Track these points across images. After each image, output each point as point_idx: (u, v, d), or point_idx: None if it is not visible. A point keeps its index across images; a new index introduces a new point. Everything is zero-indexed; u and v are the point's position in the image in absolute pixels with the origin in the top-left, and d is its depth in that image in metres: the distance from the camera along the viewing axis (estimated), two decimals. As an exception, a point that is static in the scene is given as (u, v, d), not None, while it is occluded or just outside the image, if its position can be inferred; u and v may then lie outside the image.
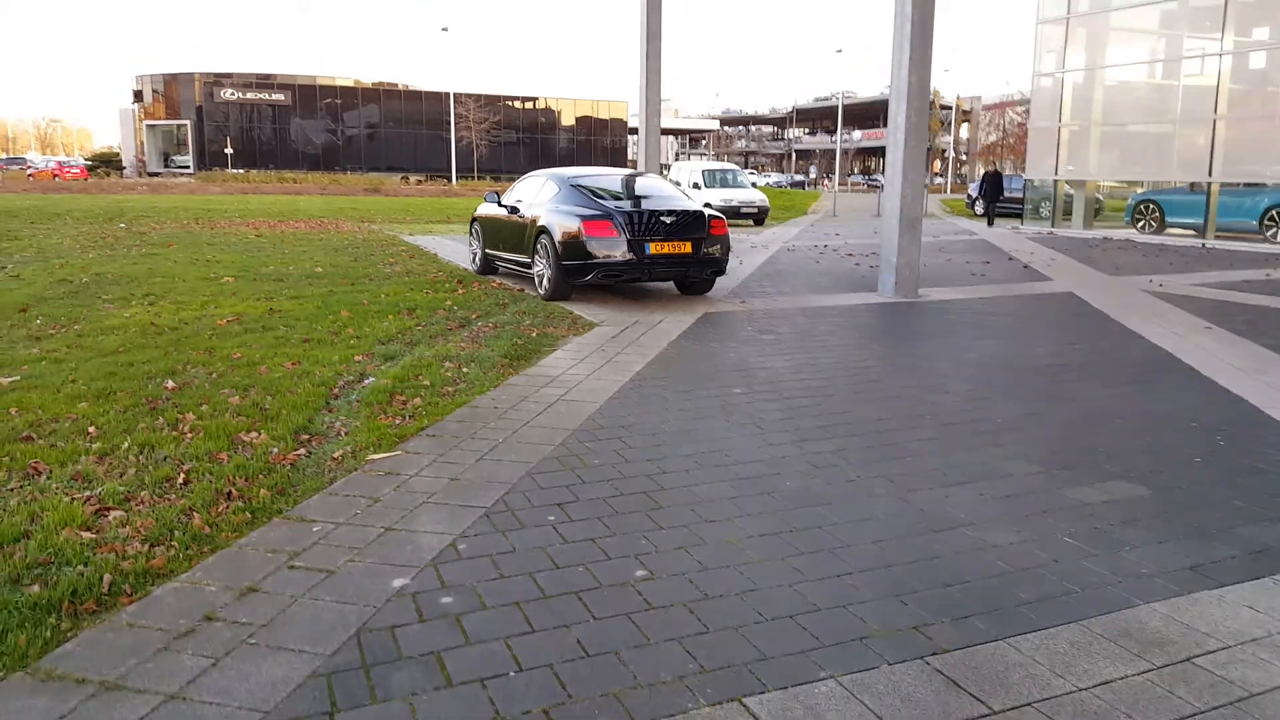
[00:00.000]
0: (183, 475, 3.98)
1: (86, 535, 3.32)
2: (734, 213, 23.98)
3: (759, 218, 24.28)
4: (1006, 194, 27.59)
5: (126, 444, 4.38)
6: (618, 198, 9.70)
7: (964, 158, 70.07)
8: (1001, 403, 5.66)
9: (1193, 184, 19.35)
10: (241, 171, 55.44)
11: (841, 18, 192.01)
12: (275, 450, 4.41)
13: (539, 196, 9.98)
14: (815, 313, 9.01)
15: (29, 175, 52.53)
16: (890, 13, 9.73)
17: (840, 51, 69.03)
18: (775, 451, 4.59)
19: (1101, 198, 22.66)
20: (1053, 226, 21.75)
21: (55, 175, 51.18)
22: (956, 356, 7.04)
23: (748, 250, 15.92)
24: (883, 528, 3.68)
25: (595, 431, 4.86)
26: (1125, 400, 5.80)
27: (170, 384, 5.60)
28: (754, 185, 27.76)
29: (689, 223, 9.19)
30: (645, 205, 9.45)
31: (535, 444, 4.62)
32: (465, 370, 6.15)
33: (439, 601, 2.97)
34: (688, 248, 9.11)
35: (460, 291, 9.85)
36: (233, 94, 64.80)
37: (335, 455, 4.38)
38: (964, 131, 69.72)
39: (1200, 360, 6.95)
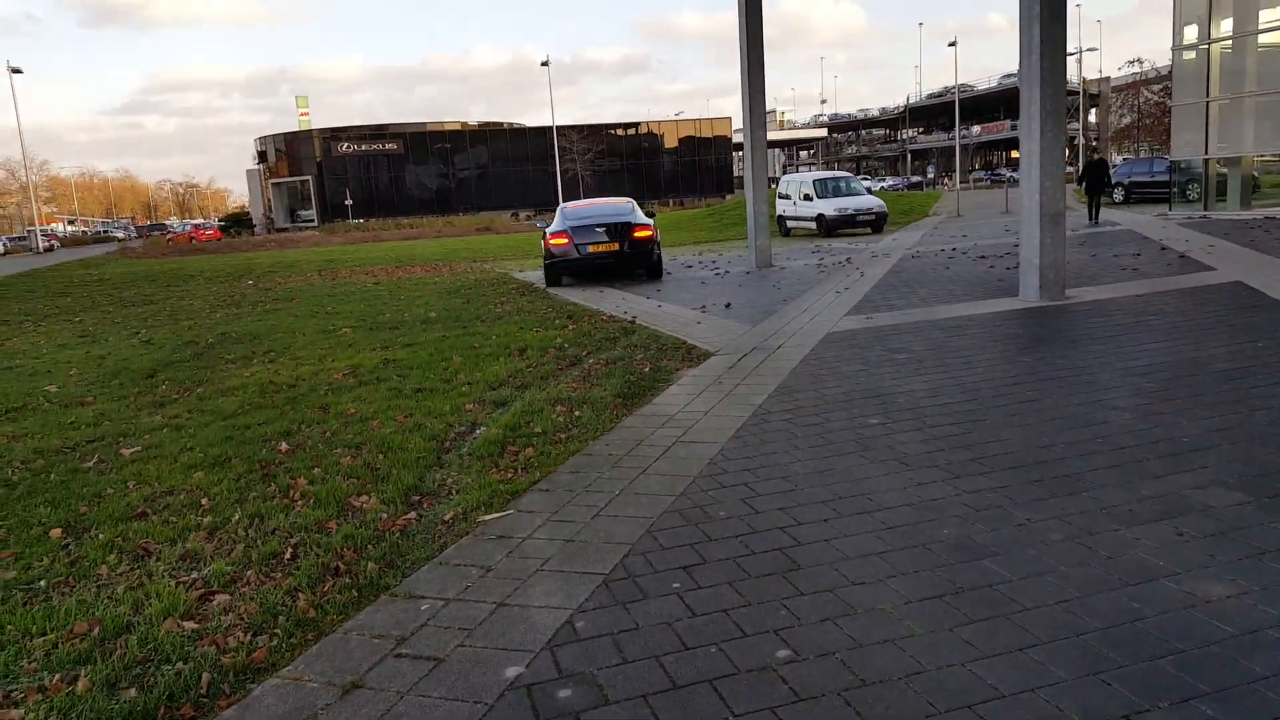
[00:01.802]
0: (290, 549, 3.80)
1: (189, 626, 3.15)
2: (850, 221, 23.18)
3: (877, 224, 23.34)
4: (1149, 178, 25.70)
5: (237, 516, 4.27)
6: (583, 219, 14.34)
7: (1095, 143, 66.13)
8: (1182, 418, 4.93)
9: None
10: (361, 221, 58.07)
11: (951, 8, 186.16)
12: (384, 516, 4.20)
13: (550, 223, 15.01)
14: (951, 325, 8.32)
15: (168, 240, 56.42)
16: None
17: (953, 44, 66.09)
18: (925, 492, 4.06)
19: (1258, 174, 20.66)
20: (1205, 209, 19.94)
21: (192, 238, 54.78)
22: (1119, 365, 6.27)
23: (868, 260, 15.20)
24: (1066, 583, 3.11)
25: (718, 477, 4.45)
26: (1336, 407, 4.96)
27: (284, 446, 5.53)
28: (869, 191, 26.73)
29: (617, 231, 13.94)
30: (591, 221, 14.18)
31: (654, 495, 4.25)
32: (577, 414, 5.86)
33: (557, 696, 2.62)
34: (615, 246, 13.90)
35: (570, 328, 9.65)
36: (349, 147, 68.15)
37: (446, 518, 4.13)
38: (1093, 116, 65.89)
39: None
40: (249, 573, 3.60)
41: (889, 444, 4.81)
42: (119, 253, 45.27)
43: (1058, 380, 5.97)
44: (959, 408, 5.44)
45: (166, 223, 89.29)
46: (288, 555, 3.76)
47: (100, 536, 4.14)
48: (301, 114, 74.59)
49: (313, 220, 66.63)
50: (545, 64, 61.78)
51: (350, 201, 62.99)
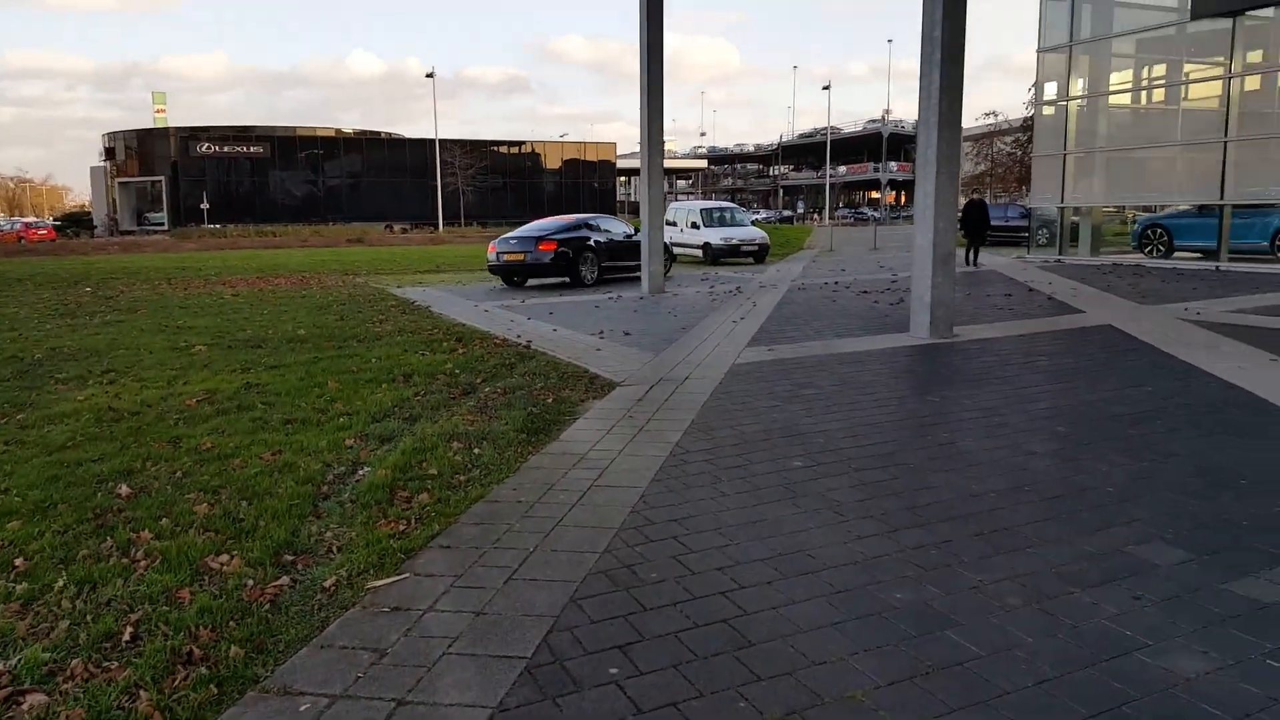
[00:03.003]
0: (130, 628, 3.09)
1: (-13, 743, 2.43)
2: (734, 251, 23.36)
3: (760, 255, 23.65)
4: (1004, 223, 26.93)
5: (61, 582, 3.49)
6: (516, 233, 17.67)
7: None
8: (1101, 464, 4.86)
9: (1200, 207, 18.83)
10: (218, 227, 54.60)
11: (818, 55, 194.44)
12: (250, 582, 3.53)
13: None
14: (852, 360, 8.21)
15: (-8, 238, 50.90)
16: (915, 38, 9.10)
17: (827, 88, 69.30)
18: (867, 548, 3.75)
19: (1107, 224, 22.14)
20: (1060, 254, 21.16)
21: (20, 238, 49.35)
22: (1024, 407, 6.24)
23: (757, 290, 15.19)
24: (1038, 658, 2.84)
25: (644, 530, 4.01)
26: (1233, 452, 5.02)
27: (124, 490, 4.71)
28: (753, 222, 27.20)
29: (525, 244, 16.94)
30: (512, 235, 17.60)
31: (575, 552, 3.76)
32: (477, 451, 5.29)
33: (481, 831, 2.10)
34: (521, 257, 16.82)
35: (460, 351, 9.00)
36: (209, 148, 64.25)
37: (327, 583, 3.51)
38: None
39: (1298, 400, 6.20)
40: (74, 662, 2.88)
41: (818, 490, 4.50)
42: (-66, 250, 40.73)
43: (969, 422, 5.86)
44: (880, 450, 5.22)
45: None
46: (126, 636, 3.05)
47: (-125, 610, 3.29)
48: (158, 111, 69.87)
49: (163, 223, 62.18)
50: (430, 75, 60.46)
51: (207, 205, 59.26)
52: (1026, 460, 4.96)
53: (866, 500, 4.35)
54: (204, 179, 63.19)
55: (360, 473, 4.99)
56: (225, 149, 64.76)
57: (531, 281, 17.54)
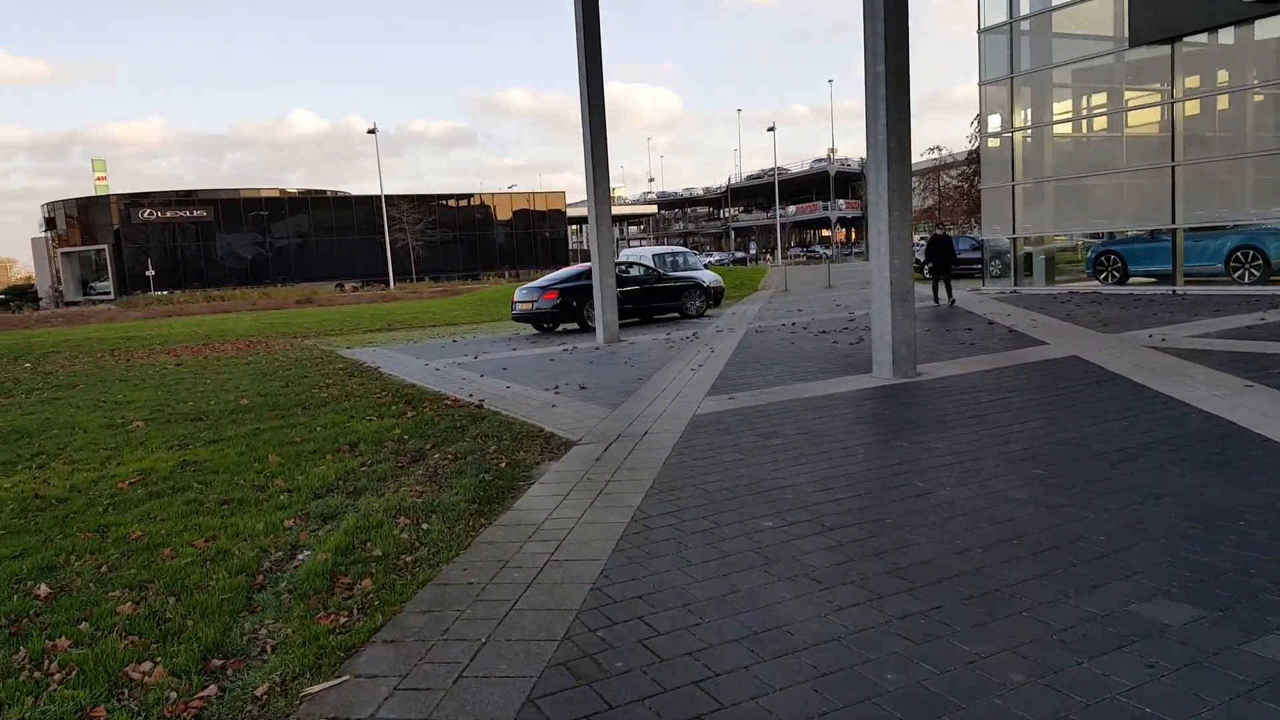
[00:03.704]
0: (22, 769, 2.69)
1: None
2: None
3: (715, 298, 23.54)
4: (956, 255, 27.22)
5: (-51, 714, 3.07)
6: (526, 287, 19.19)
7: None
8: (1087, 510, 4.65)
9: (1152, 232, 19.20)
10: (166, 293, 53.47)
11: (759, 99, 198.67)
12: (173, 695, 3.15)
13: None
14: (815, 405, 8.00)
15: (-77, 317, 49.05)
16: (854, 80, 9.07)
17: (772, 129, 70.33)
18: (850, 620, 3.47)
19: (1060, 252, 22.48)
20: (1015, 285, 21.39)
21: (-43, 315, 47.86)
22: (998, 449, 6.05)
23: (714, 335, 15.01)
24: (1049, 745, 2.56)
25: (607, 610, 3.68)
26: (1225, 489, 4.84)
27: (43, 589, 4.28)
28: (705, 266, 27.19)
29: (533, 294, 18.41)
30: (526, 286, 19.21)
31: (531, 641, 3.43)
32: (425, 527, 4.94)
33: None
34: (530, 305, 18.33)
35: (410, 415, 8.63)
36: (152, 214, 63.17)
37: (258, 691, 3.14)
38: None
39: (1269, 427, 6.09)
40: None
41: (792, 554, 4.22)
42: None
43: (943, 468, 5.64)
44: (853, 504, 4.96)
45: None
46: (18, 779, 2.65)
47: None
48: (99, 179, 68.64)
49: (109, 292, 60.75)
50: (373, 131, 60.18)
51: (152, 272, 58.06)
52: (1010, 509, 4.74)
53: (845, 564, 4.07)
54: (148, 245, 61.99)
55: (300, 557, 4.62)
56: (169, 214, 63.72)
57: (562, 326, 18.95)
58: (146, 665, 3.40)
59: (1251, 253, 17.60)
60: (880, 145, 8.92)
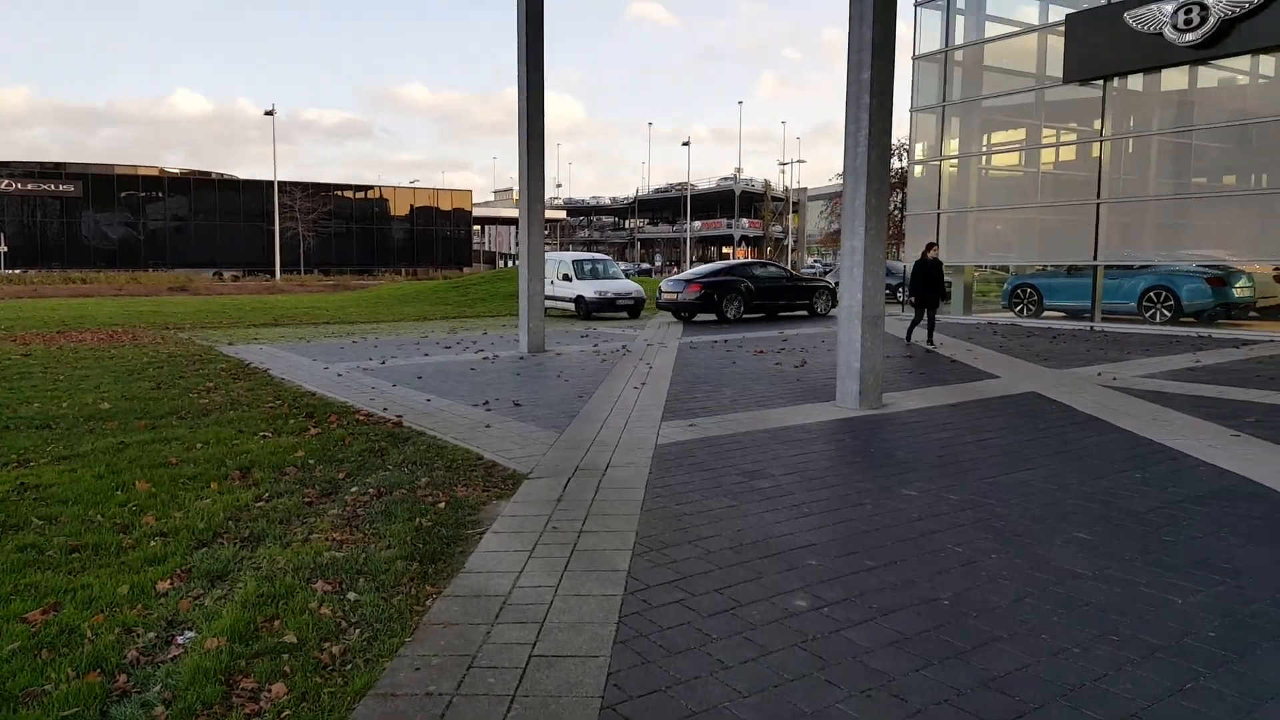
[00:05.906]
0: None
1: None
2: (610, 305, 22.32)
3: (635, 310, 22.63)
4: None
5: None
6: (671, 279, 22.50)
7: (792, 245, 73.20)
8: (1165, 591, 3.90)
9: (1070, 267, 19.37)
10: (19, 272, 48.76)
11: (665, 113, 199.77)
12: None
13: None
14: (788, 438, 7.12)
15: None
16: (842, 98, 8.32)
17: (687, 144, 70.55)
18: (974, 769, 2.53)
19: (978, 283, 22.57)
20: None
21: None
22: (1019, 503, 5.30)
23: (646, 349, 14.03)
24: None
25: (634, 749, 2.63)
26: (1310, 570, 4.18)
27: None
28: (625, 275, 26.37)
29: (678, 286, 20.93)
30: (672, 278, 22.17)
31: (538, 808, 2.34)
32: (353, 597, 3.75)
33: None
34: (675, 296, 20.66)
35: (314, 431, 7.28)
36: (9, 184, 57.70)
37: None
38: (793, 222, 73.16)
39: (1297, 487, 5.57)
40: None
41: (850, 653, 3.28)
42: None
43: (971, 526, 4.83)
44: (891, 576, 4.07)
45: None
46: None
47: None
48: (-51, 143, 62.29)
49: (-50, 268, 54.99)
50: (270, 113, 56.85)
51: (5, 249, 52.87)
52: (1079, 589, 3.93)
53: (923, 670, 3.15)
54: (2, 219, 56.56)
55: (180, 640, 3.37)
56: (29, 187, 58.34)
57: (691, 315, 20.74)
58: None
59: (1164, 293, 17.94)
60: (861, 156, 8.18)
